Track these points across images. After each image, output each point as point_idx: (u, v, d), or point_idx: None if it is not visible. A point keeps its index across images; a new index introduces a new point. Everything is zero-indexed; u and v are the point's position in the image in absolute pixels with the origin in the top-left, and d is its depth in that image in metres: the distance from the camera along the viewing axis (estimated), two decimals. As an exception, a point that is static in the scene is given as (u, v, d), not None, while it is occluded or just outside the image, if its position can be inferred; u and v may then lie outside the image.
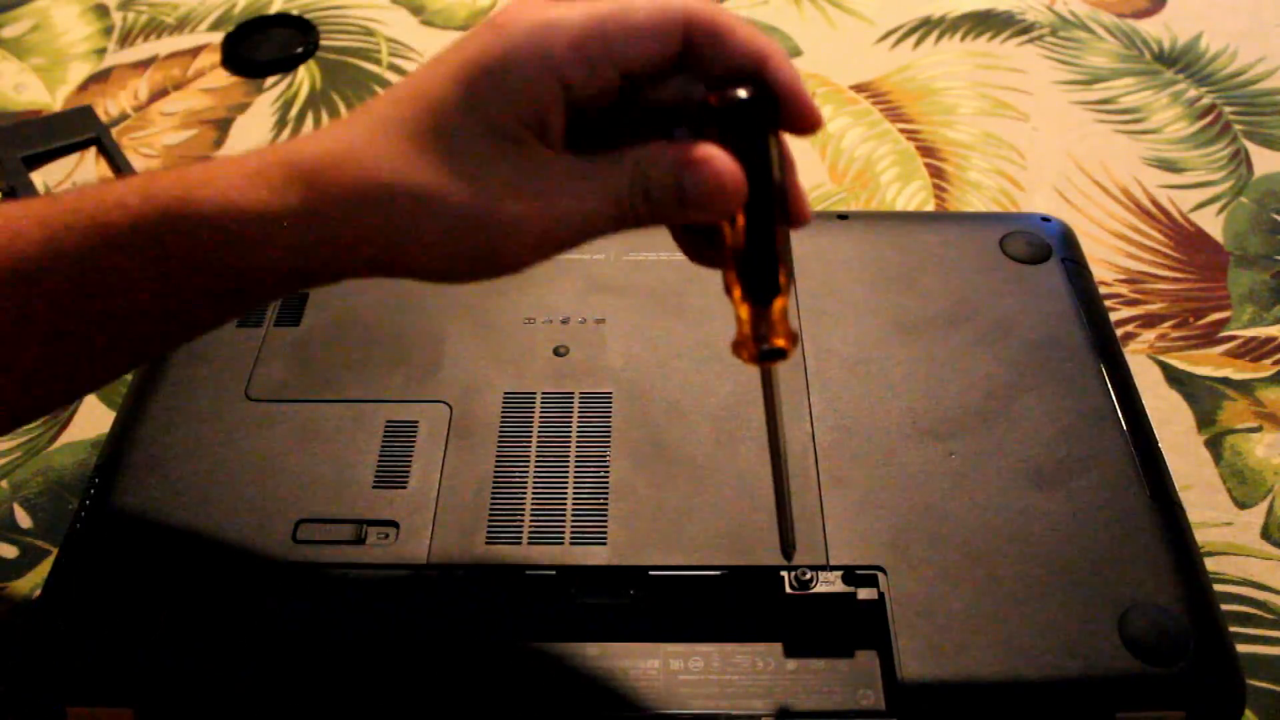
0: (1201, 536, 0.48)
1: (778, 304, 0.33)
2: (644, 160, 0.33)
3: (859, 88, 0.76)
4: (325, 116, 0.74)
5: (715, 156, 0.32)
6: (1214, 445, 0.54)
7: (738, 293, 0.33)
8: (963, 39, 0.80)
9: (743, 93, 0.32)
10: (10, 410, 0.38)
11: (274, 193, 0.33)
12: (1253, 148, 0.71)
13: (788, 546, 0.39)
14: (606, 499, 0.43)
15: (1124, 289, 0.62)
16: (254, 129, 0.74)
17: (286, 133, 0.73)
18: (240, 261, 0.34)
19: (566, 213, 0.33)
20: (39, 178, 0.70)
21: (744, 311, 0.33)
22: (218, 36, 0.81)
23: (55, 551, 0.45)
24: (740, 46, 0.33)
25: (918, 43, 0.80)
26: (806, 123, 0.33)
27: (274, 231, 0.33)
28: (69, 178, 0.70)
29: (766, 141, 0.33)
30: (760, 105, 0.33)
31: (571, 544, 0.42)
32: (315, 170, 0.33)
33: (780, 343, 0.33)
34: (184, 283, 0.34)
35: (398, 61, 0.79)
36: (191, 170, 0.34)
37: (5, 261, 0.34)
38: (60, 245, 0.34)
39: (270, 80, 0.78)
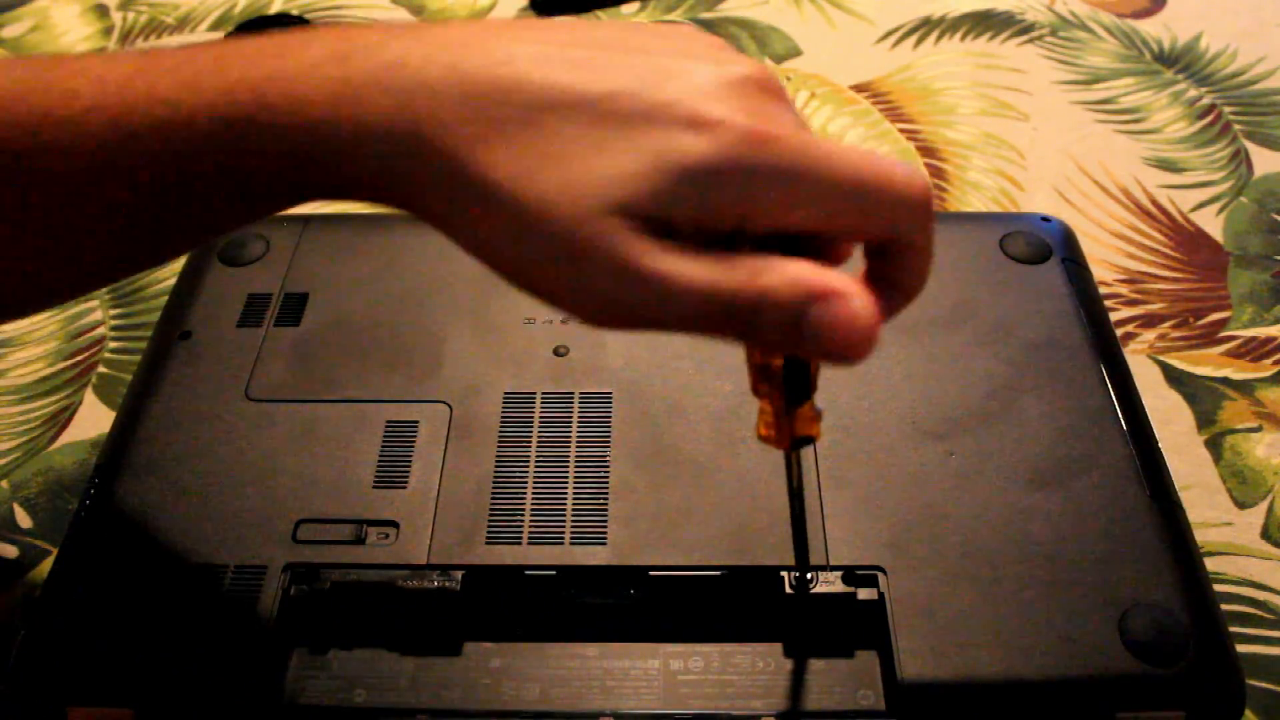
0: (1201, 536, 0.48)
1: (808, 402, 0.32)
2: (763, 273, 0.27)
3: (859, 88, 0.76)
4: (325, 116, 0.74)
5: (856, 294, 0.27)
6: (1214, 445, 0.54)
7: (765, 389, 0.32)
8: (963, 39, 0.80)
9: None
10: (89, 276, 0.36)
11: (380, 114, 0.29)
12: (1253, 148, 0.71)
13: (802, 568, 0.40)
14: (606, 499, 0.43)
15: (1124, 289, 0.62)
16: (254, 129, 0.74)
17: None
18: (327, 169, 0.31)
19: (645, 299, 0.28)
20: (39, 178, 0.70)
21: (770, 406, 0.32)
22: (218, 36, 0.81)
23: (55, 551, 0.45)
24: (910, 276, 0.30)
25: (918, 43, 0.80)
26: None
27: (367, 149, 0.29)
28: (69, 178, 0.70)
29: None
30: None
31: (571, 544, 0.42)
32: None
33: (812, 431, 0.32)
34: (261, 183, 0.32)
35: (398, 61, 0.79)
36: (279, 78, 0.30)
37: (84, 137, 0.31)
38: (135, 129, 0.31)
39: (270, 80, 0.78)
